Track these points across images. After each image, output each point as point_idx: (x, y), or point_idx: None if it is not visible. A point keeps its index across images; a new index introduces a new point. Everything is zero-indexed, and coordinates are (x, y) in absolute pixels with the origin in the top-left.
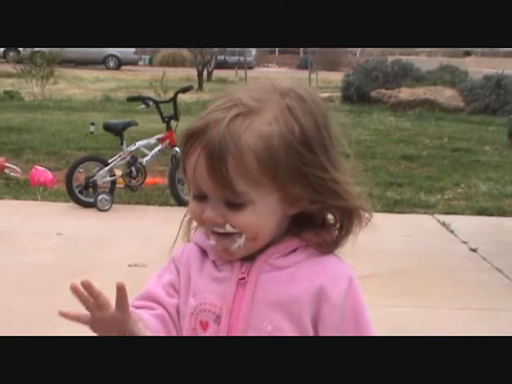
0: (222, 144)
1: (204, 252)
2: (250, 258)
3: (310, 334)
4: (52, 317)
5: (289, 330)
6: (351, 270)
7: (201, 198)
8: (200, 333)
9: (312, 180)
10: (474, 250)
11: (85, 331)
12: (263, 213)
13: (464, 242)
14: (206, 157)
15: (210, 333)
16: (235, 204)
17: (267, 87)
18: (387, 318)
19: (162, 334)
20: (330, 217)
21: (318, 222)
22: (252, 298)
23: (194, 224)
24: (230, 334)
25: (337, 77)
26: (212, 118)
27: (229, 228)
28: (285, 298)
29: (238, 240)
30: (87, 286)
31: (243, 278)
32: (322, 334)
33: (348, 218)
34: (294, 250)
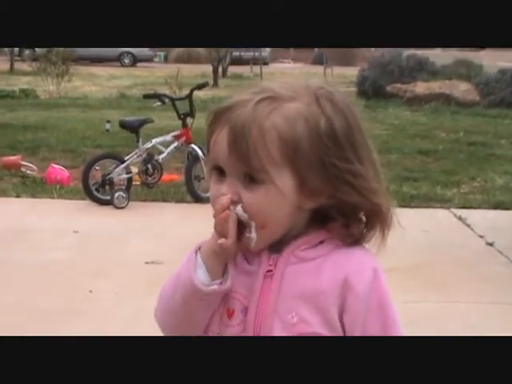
0: (246, 120)
1: None
2: (277, 251)
3: (337, 325)
4: (69, 314)
5: (314, 322)
6: (377, 262)
7: (219, 176)
8: (225, 320)
9: (331, 171)
10: (491, 244)
11: (99, 331)
12: (276, 197)
13: (480, 237)
14: (229, 130)
15: (235, 321)
16: (252, 181)
17: (299, 82)
18: (405, 312)
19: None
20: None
21: (343, 216)
22: (278, 290)
23: None
24: (256, 326)
25: (352, 72)
26: (240, 99)
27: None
28: (310, 290)
29: (251, 235)
30: None
31: (270, 271)
32: (347, 325)
33: (371, 214)
34: (321, 242)
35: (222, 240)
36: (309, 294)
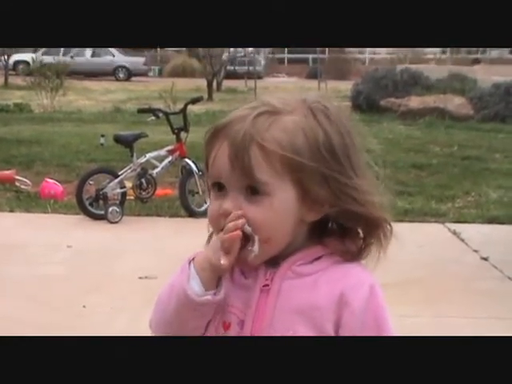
0: (245, 134)
1: None
2: (274, 265)
3: None
4: (63, 329)
5: None
6: (373, 278)
7: (220, 192)
8: (220, 332)
9: (333, 185)
10: (486, 259)
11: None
12: (280, 210)
13: (475, 251)
14: (229, 145)
15: (231, 334)
16: (254, 194)
17: (295, 96)
18: (399, 327)
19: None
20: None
21: (341, 230)
22: (275, 304)
23: None
24: None
25: (346, 86)
26: (238, 115)
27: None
28: (306, 306)
29: (253, 249)
30: None
31: (267, 285)
32: None
33: (370, 228)
34: (319, 258)
35: (226, 261)
36: (305, 310)
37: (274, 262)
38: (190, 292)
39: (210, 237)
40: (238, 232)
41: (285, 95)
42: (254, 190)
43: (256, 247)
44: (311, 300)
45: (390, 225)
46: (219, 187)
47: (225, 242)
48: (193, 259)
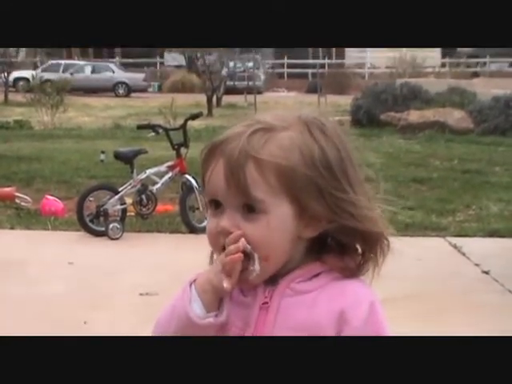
0: (241, 152)
1: None
2: (273, 283)
3: None
4: None
5: None
6: (374, 295)
7: (217, 209)
8: None
9: (329, 200)
10: (487, 273)
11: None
12: (277, 227)
13: (476, 265)
14: (225, 163)
15: None
16: (251, 212)
17: (292, 113)
18: None
19: None
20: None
21: (339, 247)
22: (274, 322)
23: None
24: None
25: (346, 100)
26: (233, 132)
27: (243, 242)
28: (306, 323)
29: (254, 268)
30: None
31: (266, 303)
32: None
33: (369, 244)
34: (318, 275)
35: (228, 284)
36: (304, 327)
37: (272, 279)
38: (192, 315)
39: (212, 256)
40: (240, 254)
41: (281, 112)
42: (250, 208)
43: (257, 266)
44: (310, 317)
45: (387, 240)
46: (216, 205)
47: (226, 265)
48: (194, 281)
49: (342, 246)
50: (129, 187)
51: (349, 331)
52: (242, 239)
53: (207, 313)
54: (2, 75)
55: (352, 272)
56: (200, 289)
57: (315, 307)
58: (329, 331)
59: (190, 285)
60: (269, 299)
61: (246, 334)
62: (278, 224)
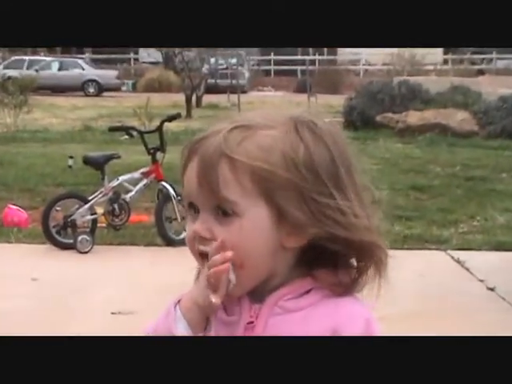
0: (215, 150)
1: None
2: (260, 300)
3: None
4: None
5: None
6: (369, 312)
7: (195, 213)
8: None
9: (312, 206)
10: (492, 289)
11: None
12: (252, 233)
13: (481, 281)
14: (198, 161)
15: None
16: (225, 215)
17: (283, 112)
18: None
19: None
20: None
21: (332, 260)
22: None
23: None
24: None
25: (338, 100)
26: (212, 129)
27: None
28: None
29: (229, 277)
30: None
31: (251, 322)
32: None
33: (362, 255)
34: (308, 291)
35: (217, 299)
36: None
37: (259, 296)
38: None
39: (199, 272)
40: (227, 264)
41: (272, 111)
42: (224, 211)
43: (232, 275)
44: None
45: (384, 251)
46: (194, 208)
47: (211, 278)
48: (178, 302)
49: (335, 259)
50: (99, 196)
51: None
52: (230, 252)
53: (193, 334)
54: None
55: (346, 288)
56: (185, 309)
57: (306, 326)
58: None
59: (175, 306)
60: (255, 318)
61: None
62: (253, 229)
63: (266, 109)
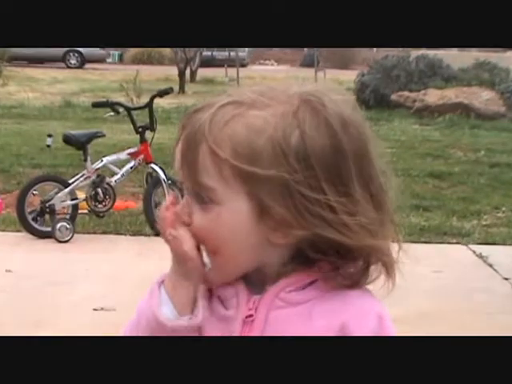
0: (201, 128)
1: (209, 290)
2: (260, 292)
3: None
4: None
5: None
6: (381, 306)
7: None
8: None
9: (298, 201)
10: None
11: None
12: (229, 222)
13: (505, 279)
14: (183, 140)
15: None
16: (202, 201)
17: (290, 88)
18: None
19: None
20: None
21: (335, 253)
22: None
23: None
24: None
25: (349, 76)
26: (207, 102)
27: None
28: None
29: (206, 261)
30: None
31: (250, 316)
32: None
33: (365, 255)
34: (312, 283)
35: (173, 232)
36: None
37: (259, 288)
38: (163, 318)
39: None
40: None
41: (280, 86)
42: (201, 197)
43: (206, 259)
44: (306, 333)
45: (389, 258)
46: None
47: (173, 251)
48: (162, 282)
49: (337, 251)
50: (81, 179)
51: None
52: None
53: (180, 316)
54: None
55: (353, 280)
56: (169, 287)
57: (310, 321)
58: None
59: (159, 286)
60: (254, 311)
61: None
62: (231, 220)
63: (275, 83)
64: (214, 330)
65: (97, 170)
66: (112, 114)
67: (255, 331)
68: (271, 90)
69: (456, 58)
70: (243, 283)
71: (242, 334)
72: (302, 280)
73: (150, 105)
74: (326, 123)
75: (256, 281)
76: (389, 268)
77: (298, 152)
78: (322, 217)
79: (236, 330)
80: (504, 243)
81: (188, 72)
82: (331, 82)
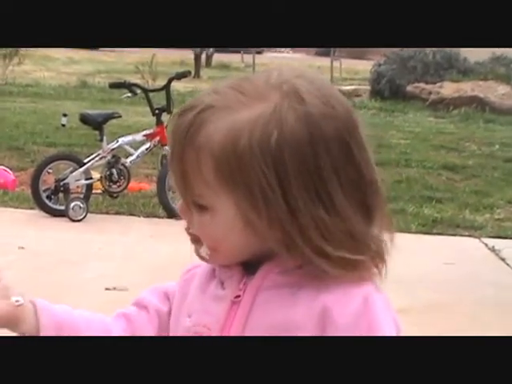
0: (182, 133)
1: (214, 271)
2: (253, 272)
3: None
4: None
5: None
6: (370, 288)
7: None
8: None
9: (272, 211)
10: None
11: None
12: (223, 224)
13: None
14: (170, 148)
15: None
16: (195, 205)
17: (268, 78)
18: None
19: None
20: None
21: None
22: (245, 320)
23: None
24: None
25: (365, 66)
26: (188, 105)
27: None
28: (283, 322)
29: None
30: None
31: (238, 296)
32: None
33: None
34: (302, 266)
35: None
36: (280, 327)
37: (253, 268)
38: None
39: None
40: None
41: (258, 77)
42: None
43: (205, 248)
44: (289, 315)
45: (368, 269)
46: None
47: None
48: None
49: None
50: (96, 158)
51: (334, 330)
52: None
53: None
54: None
55: (342, 266)
56: None
57: (294, 304)
58: (310, 331)
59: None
60: (242, 292)
61: (212, 333)
62: (223, 223)
63: (262, 71)
64: (206, 309)
65: (112, 150)
66: (129, 95)
67: (241, 311)
68: (251, 84)
69: (473, 51)
70: (240, 264)
71: (230, 314)
72: (289, 262)
73: (167, 87)
74: (306, 121)
75: (253, 262)
76: (376, 258)
77: (274, 154)
78: (284, 229)
79: (224, 309)
80: None
81: (204, 57)
82: (346, 72)
